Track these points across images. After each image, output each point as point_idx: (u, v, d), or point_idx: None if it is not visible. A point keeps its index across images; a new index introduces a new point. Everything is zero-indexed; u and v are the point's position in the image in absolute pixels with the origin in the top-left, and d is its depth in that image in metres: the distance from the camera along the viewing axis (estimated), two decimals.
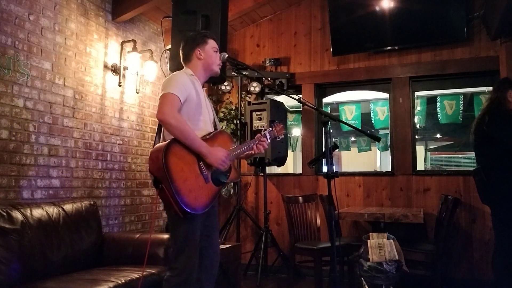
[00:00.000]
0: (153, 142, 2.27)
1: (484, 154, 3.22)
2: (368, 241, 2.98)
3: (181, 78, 2.25)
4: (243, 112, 4.79)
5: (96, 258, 3.14)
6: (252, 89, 4.89)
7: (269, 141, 2.52)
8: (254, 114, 4.57)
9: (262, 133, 2.52)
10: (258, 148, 2.44)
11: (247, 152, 2.44)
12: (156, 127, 2.29)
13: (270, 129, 2.57)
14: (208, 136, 2.27)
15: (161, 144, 2.09)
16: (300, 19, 5.08)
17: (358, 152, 5.78)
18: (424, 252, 3.44)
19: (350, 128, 3.94)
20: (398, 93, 4.59)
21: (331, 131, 2.54)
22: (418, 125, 4.88)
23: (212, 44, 2.41)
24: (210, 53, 2.38)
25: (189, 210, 2.00)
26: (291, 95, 2.68)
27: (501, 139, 3.07)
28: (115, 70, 3.94)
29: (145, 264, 2.99)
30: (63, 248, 2.82)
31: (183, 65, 2.42)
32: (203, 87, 2.42)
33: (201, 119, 2.28)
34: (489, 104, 3.26)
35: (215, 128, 2.41)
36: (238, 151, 2.37)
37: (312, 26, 5.02)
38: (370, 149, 5.91)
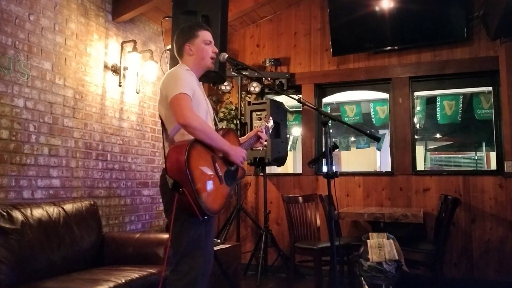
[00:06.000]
0: (162, 139, 2.19)
1: None
2: (368, 241, 2.98)
3: (183, 74, 2.16)
4: (243, 112, 4.80)
5: (96, 258, 3.14)
6: (252, 89, 4.89)
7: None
8: (254, 114, 4.57)
9: (261, 127, 2.57)
10: (261, 143, 2.53)
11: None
12: (160, 125, 2.22)
13: (267, 124, 2.64)
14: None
15: (180, 144, 2.01)
16: (300, 19, 5.08)
17: (357, 149, 5.82)
18: (424, 252, 3.44)
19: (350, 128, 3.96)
20: (398, 93, 4.59)
21: (331, 131, 2.55)
22: (417, 125, 4.89)
23: (203, 36, 2.28)
24: (201, 47, 2.26)
25: (209, 213, 1.96)
26: (291, 95, 2.68)
27: None
28: (115, 70, 3.94)
29: (146, 264, 3.01)
30: (63, 248, 2.82)
31: (178, 59, 2.34)
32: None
33: (206, 116, 2.23)
34: None
35: (215, 124, 2.39)
36: (245, 147, 2.41)
37: (312, 26, 5.02)
38: (368, 146, 5.98)
